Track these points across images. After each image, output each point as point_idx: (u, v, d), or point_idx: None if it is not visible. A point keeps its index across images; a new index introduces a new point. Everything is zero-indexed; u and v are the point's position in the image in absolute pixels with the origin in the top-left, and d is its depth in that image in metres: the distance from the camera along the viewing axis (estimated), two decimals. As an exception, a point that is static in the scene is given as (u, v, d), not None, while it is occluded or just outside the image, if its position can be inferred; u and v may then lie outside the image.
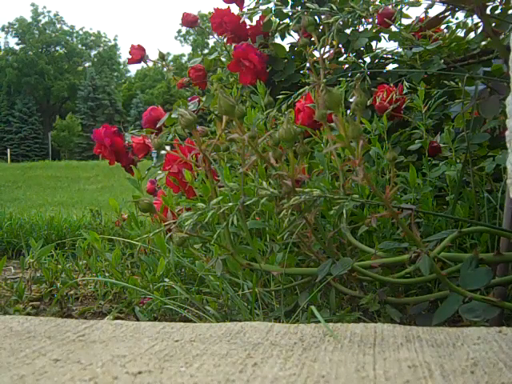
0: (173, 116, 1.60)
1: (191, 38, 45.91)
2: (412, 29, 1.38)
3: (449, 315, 0.72)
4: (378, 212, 0.99)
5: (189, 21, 1.72)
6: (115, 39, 68.37)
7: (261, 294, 0.93)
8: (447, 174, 1.06)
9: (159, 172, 1.53)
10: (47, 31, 46.23)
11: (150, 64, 1.78)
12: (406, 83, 1.24)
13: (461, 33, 1.49)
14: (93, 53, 49.42)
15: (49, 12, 55.99)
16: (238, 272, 0.96)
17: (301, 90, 1.23)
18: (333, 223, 1.00)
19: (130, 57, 1.74)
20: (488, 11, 1.03)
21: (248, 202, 0.82)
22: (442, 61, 1.32)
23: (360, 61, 1.45)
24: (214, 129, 1.47)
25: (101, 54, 48.66)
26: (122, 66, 50.16)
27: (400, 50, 1.41)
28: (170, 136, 1.58)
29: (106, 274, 1.23)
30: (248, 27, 1.62)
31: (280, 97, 1.32)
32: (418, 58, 1.35)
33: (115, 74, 49.46)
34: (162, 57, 1.77)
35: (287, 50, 1.62)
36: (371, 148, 1.12)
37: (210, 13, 1.72)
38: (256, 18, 1.60)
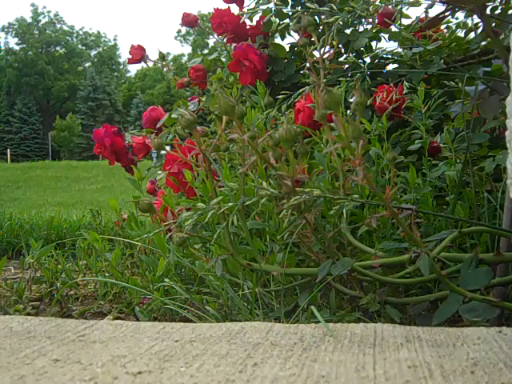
0: (173, 116, 1.60)
1: (191, 38, 45.91)
2: (412, 29, 1.39)
3: (449, 315, 0.72)
4: (378, 212, 0.99)
5: (189, 21, 1.72)
6: (115, 39, 68.37)
7: (261, 294, 0.93)
8: (447, 174, 1.06)
9: (159, 172, 1.53)
10: (47, 31, 46.22)
11: (150, 64, 1.78)
12: (406, 83, 1.24)
13: (461, 33, 1.49)
14: (93, 53, 49.43)
15: (49, 12, 55.96)
16: (238, 272, 0.96)
17: (301, 90, 1.23)
18: (333, 223, 1.00)
19: (130, 57, 1.74)
20: (488, 11, 1.03)
21: (248, 202, 0.82)
22: (442, 61, 1.32)
23: (360, 61, 1.45)
24: (214, 129, 1.48)
25: (101, 54, 48.65)
26: (122, 66, 50.14)
27: (400, 50, 1.41)
28: (170, 136, 1.58)
29: (106, 274, 1.23)
30: (248, 27, 1.62)
31: (280, 97, 1.32)
32: (417, 57, 1.35)
33: (115, 74, 49.44)
34: (162, 57, 1.77)
35: (287, 50, 1.62)
36: (371, 148, 1.12)
37: (209, 13, 1.72)
38: (256, 18, 1.60)
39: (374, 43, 1.52)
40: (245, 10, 1.62)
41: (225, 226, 0.88)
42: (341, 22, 1.34)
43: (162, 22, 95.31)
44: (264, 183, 0.83)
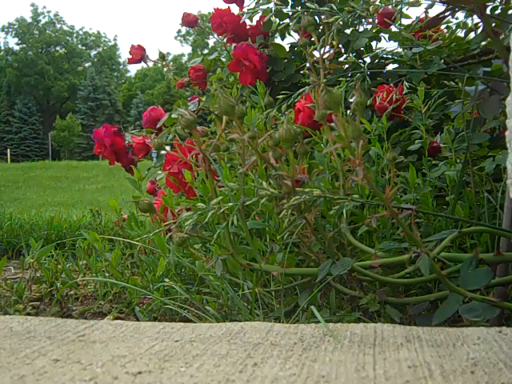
0: (173, 116, 1.60)
1: (191, 38, 45.90)
2: (412, 29, 1.38)
3: (449, 315, 0.72)
4: (378, 212, 0.99)
5: (189, 21, 1.72)
6: (115, 39, 68.29)
7: (261, 294, 0.93)
8: (447, 174, 1.06)
9: (159, 172, 1.53)
10: (47, 31, 46.20)
11: (150, 64, 1.78)
12: (406, 83, 1.24)
13: (461, 33, 1.49)
14: (93, 53, 49.42)
15: (49, 12, 55.90)
16: (238, 272, 0.96)
17: (301, 90, 1.23)
18: (333, 223, 1.00)
19: (130, 57, 1.74)
20: (488, 11, 1.03)
21: (248, 202, 0.82)
22: (442, 61, 1.32)
23: (360, 61, 1.45)
24: (214, 129, 1.47)
25: (101, 54, 48.65)
26: (122, 66, 50.13)
27: (400, 50, 1.41)
28: (170, 136, 1.58)
29: (106, 274, 1.23)
30: (248, 27, 1.62)
31: (280, 97, 1.32)
32: (417, 58, 1.35)
33: (115, 74, 49.44)
34: (162, 57, 1.77)
35: (287, 49, 1.62)
36: (371, 148, 1.12)
37: (209, 13, 1.72)
38: (256, 18, 1.60)
39: (374, 43, 1.52)
40: (245, 9, 1.63)
41: (225, 226, 0.88)
42: (341, 22, 1.34)
43: (162, 22, 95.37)
44: (264, 183, 0.83)
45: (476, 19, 1.42)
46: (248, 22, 1.61)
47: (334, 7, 1.31)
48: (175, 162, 1.25)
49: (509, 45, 0.90)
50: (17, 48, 44.30)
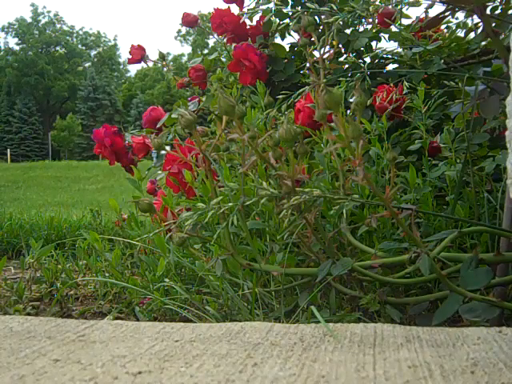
0: (173, 116, 1.60)
1: (191, 38, 45.90)
2: (412, 29, 1.38)
3: (449, 315, 0.72)
4: (378, 212, 0.99)
5: (189, 21, 1.72)
6: (115, 39, 68.32)
7: (261, 294, 0.93)
8: (447, 174, 1.06)
9: (159, 172, 1.53)
10: (47, 31, 46.22)
11: (150, 64, 1.79)
12: (406, 83, 1.24)
13: (461, 33, 1.49)
14: (93, 53, 49.44)
15: (49, 12, 55.89)
16: (237, 272, 0.96)
17: (301, 90, 1.23)
18: (333, 223, 1.00)
19: (130, 57, 1.74)
20: (488, 11, 1.03)
21: (248, 202, 0.82)
22: (442, 61, 1.32)
23: (360, 61, 1.45)
24: (214, 129, 1.47)
25: (101, 54, 48.66)
26: (122, 66, 50.14)
27: (400, 50, 1.41)
28: (170, 136, 1.58)
29: (106, 274, 1.23)
30: (248, 27, 1.62)
31: (280, 97, 1.32)
32: (417, 58, 1.35)
33: (115, 74, 49.44)
34: (162, 57, 1.77)
35: (287, 49, 1.62)
36: (371, 148, 1.12)
37: (209, 13, 1.72)
38: (256, 18, 1.60)
39: (374, 43, 1.52)
40: (245, 10, 1.63)
41: (225, 226, 0.88)
42: (341, 22, 1.34)
43: (162, 22, 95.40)
44: (264, 183, 0.83)
45: (476, 19, 1.42)
46: (248, 21, 1.61)
47: (334, 7, 1.31)
48: (175, 161, 1.25)
49: (509, 45, 0.90)
50: (17, 48, 44.35)
